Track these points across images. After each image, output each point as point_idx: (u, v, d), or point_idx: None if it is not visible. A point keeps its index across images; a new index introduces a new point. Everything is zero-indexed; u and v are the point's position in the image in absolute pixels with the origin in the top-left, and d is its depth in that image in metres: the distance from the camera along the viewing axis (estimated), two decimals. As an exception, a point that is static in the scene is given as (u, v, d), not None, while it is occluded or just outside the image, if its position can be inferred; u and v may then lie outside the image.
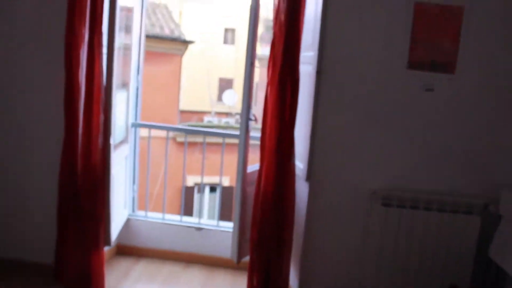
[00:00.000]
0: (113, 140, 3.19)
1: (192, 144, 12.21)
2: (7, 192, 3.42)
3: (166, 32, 12.56)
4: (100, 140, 3.10)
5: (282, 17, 2.89)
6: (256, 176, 3.25)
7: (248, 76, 2.99)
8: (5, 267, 3.44)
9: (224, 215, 11.46)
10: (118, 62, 3.28)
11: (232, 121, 14.68)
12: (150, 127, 3.89)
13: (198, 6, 16.59)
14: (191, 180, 12.14)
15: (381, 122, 3.07)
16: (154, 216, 3.97)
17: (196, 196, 12.19)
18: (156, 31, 12.41)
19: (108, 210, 3.23)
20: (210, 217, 12.08)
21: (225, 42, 17.09)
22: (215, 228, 3.87)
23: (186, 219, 3.96)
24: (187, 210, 11.74)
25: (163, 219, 3.93)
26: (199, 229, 3.84)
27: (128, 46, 3.59)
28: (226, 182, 12.36)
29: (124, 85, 3.57)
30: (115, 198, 3.43)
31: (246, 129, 3.06)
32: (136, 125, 3.83)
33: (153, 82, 11.41)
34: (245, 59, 3.00)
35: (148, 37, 11.58)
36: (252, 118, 3.08)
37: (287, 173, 2.99)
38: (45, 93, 3.29)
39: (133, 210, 3.98)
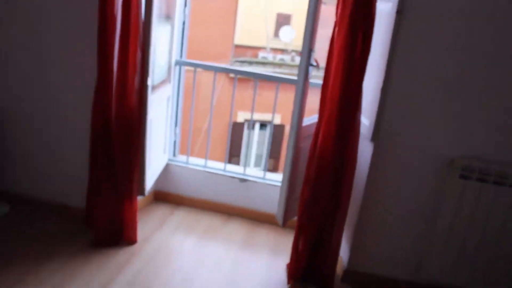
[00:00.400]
0: (151, 81, 2.74)
1: (245, 80, 11.71)
2: (42, 132, 3.07)
3: (224, -38, 11.78)
4: (136, 80, 2.67)
5: None
6: (312, 129, 2.76)
7: (312, 14, 2.40)
8: (39, 208, 3.18)
9: (272, 153, 10.94)
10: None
11: (287, 58, 13.91)
12: (195, 66, 3.37)
13: None
14: (241, 116, 11.75)
15: (471, 77, 2.44)
16: (196, 162, 3.56)
17: (245, 132, 11.83)
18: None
19: (144, 157, 2.84)
20: (258, 154, 11.72)
21: (285, -25, 16.01)
22: (261, 180, 3.42)
23: (230, 168, 3.53)
24: (236, 147, 11.43)
25: (205, 166, 3.52)
26: (244, 180, 3.41)
27: (174, -28, 3.06)
28: (277, 120, 11.90)
29: (168, 18, 3.06)
30: (154, 143, 3.03)
31: (305, 76, 2.51)
32: (180, 63, 3.34)
33: (208, 15, 10.83)
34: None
35: (204, -32, 10.90)
36: (314, 63, 2.52)
37: (351, 130, 2.47)
38: (77, 27, 2.83)
39: (174, 155, 3.58)
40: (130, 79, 2.65)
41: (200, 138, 10.32)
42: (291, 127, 2.61)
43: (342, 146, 2.49)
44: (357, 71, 2.38)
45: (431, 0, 2.39)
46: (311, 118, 2.87)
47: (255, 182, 3.40)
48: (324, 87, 2.51)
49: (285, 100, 11.77)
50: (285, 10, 16.25)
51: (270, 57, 13.92)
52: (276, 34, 15.26)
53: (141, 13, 2.55)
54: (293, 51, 14.41)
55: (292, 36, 14.34)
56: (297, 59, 14.06)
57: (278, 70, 11.90)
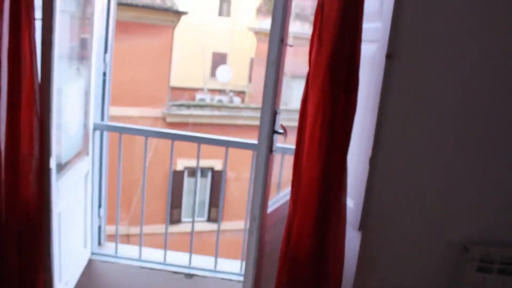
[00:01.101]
0: (54, 162, 1.96)
1: (183, 125, 10.97)
2: None
3: (157, 1, 11.11)
4: (34, 160, 1.89)
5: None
6: (279, 214, 2.08)
7: (275, 63, 1.73)
8: None
9: (215, 201, 10.33)
10: (66, 35, 2.03)
11: (225, 99, 13.34)
12: (121, 130, 2.60)
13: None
14: (181, 164, 10.95)
15: (482, 139, 1.86)
16: (127, 253, 2.72)
17: (186, 181, 11.01)
18: (146, 0, 10.96)
19: (51, 265, 2.03)
20: (200, 202, 10.88)
21: (220, 14, 15.55)
22: (212, 274, 2.65)
23: (172, 257, 2.73)
24: (176, 196, 10.58)
25: (140, 260, 2.69)
26: (190, 276, 2.63)
27: (89, 16, 2.33)
28: (218, 165, 11.18)
29: (79, 70, 2.32)
30: (67, 241, 2.22)
31: (268, 148, 1.82)
32: (101, 128, 2.56)
33: (141, 56, 10.09)
34: (269, 36, 1.74)
35: (137, 6, 10.24)
36: (280, 130, 1.85)
37: (334, 219, 1.81)
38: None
39: (100, 243, 2.76)
40: (25, 161, 1.87)
41: (136, 194, 9.35)
42: (252, 218, 1.88)
43: (324, 242, 1.82)
44: (339, 138, 1.75)
45: (428, 42, 1.80)
46: (277, 198, 2.19)
47: (205, 277, 2.62)
48: (297, 159, 1.85)
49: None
50: (221, 49, 15.80)
51: (208, 98, 13.29)
52: (213, 74, 14.71)
53: (36, 67, 1.81)
54: (231, 91, 13.88)
55: (230, 75, 13.85)
56: (236, 100, 13.53)
57: (217, 112, 11.24)
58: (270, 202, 2.06)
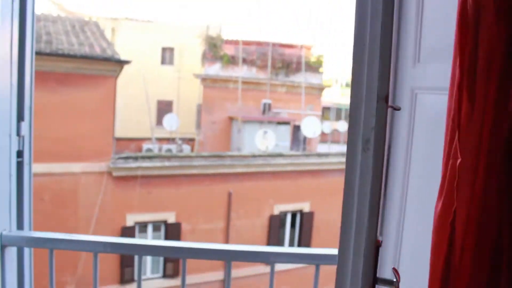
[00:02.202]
0: None
1: (132, 178, 9.73)
2: None
3: (97, 51, 9.95)
4: None
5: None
6: None
7: (373, 145, 0.78)
8: None
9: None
10: None
11: (174, 148, 12.20)
12: (53, 245, 1.48)
13: (133, 25, 14.05)
14: (131, 219, 9.64)
15: None
16: None
17: (137, 237, 9.70)
18: (85, 50, 9.79)
19: None
20: (155, 263, 9.55)
21: (163, 62, 14.53)
22: None
23: None
24: (128, 257, 9.23)
25: None
26: None
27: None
28: (171, 218, 9.96)
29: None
30: None
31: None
32: (16, 243, 1.45)
33: (83, 108, 8.88)
34: (351, 93, 0.78)
35: (75, 57, 9.08)
36: (387, 277, 0.85)
37: None
38: None
39: None
40: None
41: (82, 256, 7.95)
42: None
43: None
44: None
45: None
46: None
47: None
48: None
49: (181, 196, 9.98)
50: (165, 97, 14.77)
51: (156, 148, 12.10)
52: (159, 122, 13.62)
53: None
54: (180, 138, 12.79)
55: (177, 123, 12.81)
56: (185, 148, 12.47)
57: (167, 163, 10.05)
58: None
